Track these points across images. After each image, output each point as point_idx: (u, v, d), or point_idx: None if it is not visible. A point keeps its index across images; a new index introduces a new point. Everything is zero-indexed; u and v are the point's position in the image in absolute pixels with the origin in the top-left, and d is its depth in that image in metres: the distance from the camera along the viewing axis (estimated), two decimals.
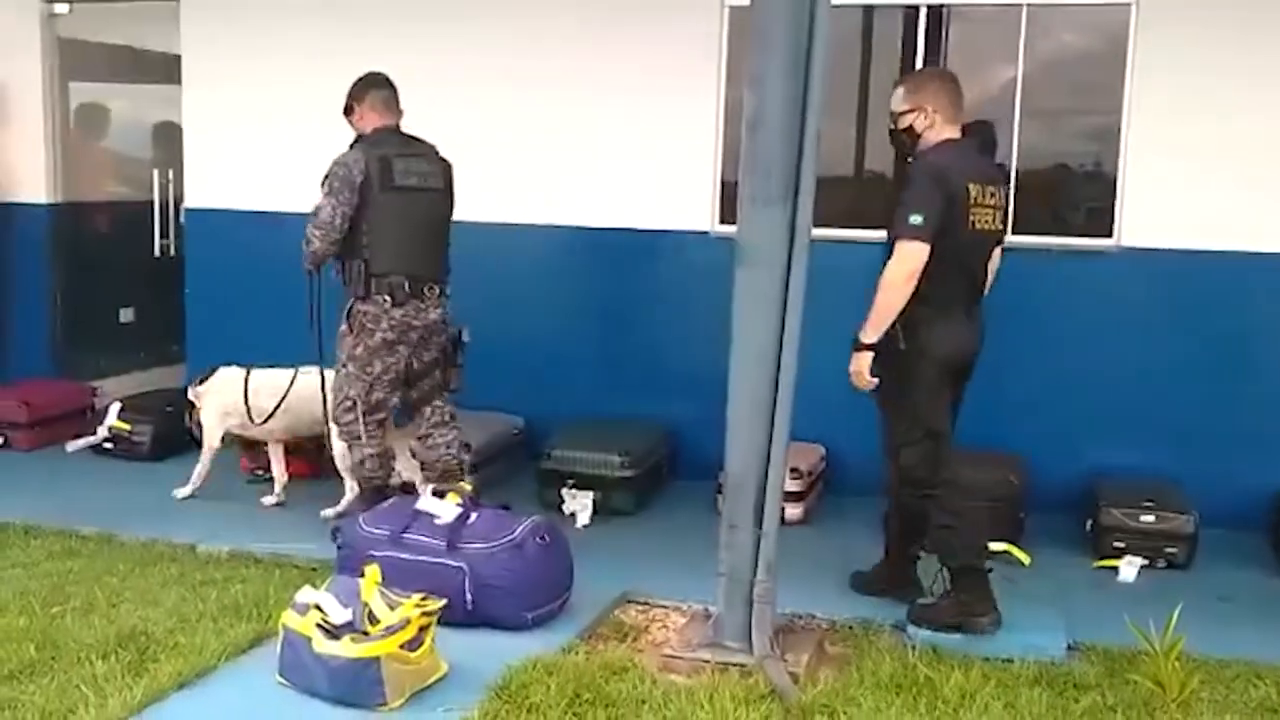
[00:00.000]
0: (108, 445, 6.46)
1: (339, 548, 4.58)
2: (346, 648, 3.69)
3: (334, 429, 5.35)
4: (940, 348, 4.27)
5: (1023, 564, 5.07)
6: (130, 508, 5.70)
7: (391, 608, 3.84)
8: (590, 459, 5.65)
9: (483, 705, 3.68)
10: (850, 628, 4.43)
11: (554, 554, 4.47)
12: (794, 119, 3.89)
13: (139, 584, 4.76)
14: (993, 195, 4.33)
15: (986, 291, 4.54)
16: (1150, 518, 5.12)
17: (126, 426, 6.44)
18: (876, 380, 4.24)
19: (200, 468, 5.87)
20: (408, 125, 5.18)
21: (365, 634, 3.75)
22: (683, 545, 5.15)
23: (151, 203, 7.14)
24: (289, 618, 3.85)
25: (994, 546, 5.08)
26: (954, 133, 4.35)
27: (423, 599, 3.89)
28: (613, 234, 6.38)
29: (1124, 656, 4.13)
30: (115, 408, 6.49)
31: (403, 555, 4.35)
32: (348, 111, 5.11)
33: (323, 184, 4.93)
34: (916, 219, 4.07)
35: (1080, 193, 5.98)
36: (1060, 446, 5.76)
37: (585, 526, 5.55)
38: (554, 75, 6.34)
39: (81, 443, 6.42)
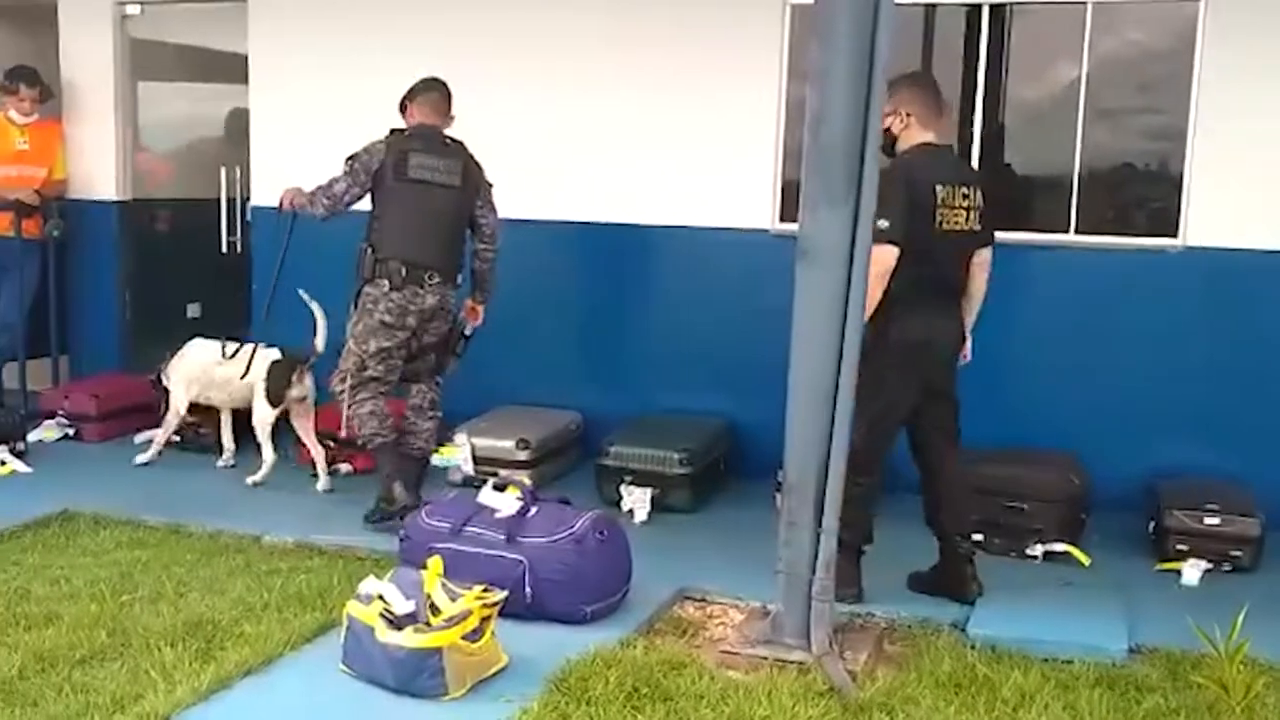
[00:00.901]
0: (176, 437, 6.57)
1: (402, 540, 4.64)
2: (409, 638, 3.75)
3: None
4: (904, 343, 4.36)
5: (1083, 564, 5.08)
6: (196, 499, 5.81)
7: (453, 599, 3.89)
8: (648, 456, 5.68)
9: (542, 697, 3.71)
10: (909, 627, 4.42)
11: (613, 549, 4.50)
12: (857, 118, 3.89)
13: (205, 574, 4.84)
14: (965, 197, 4.46)
15: (981, 290, 4.66)
16: (1215, 520, 5.05)
17: (193, 419, 6.54)
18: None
19: (162, 435, 6.34)
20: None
21: (427, 625, 3.81)
22: (740, 542, 5.16)
23: (218, 200, 7.24)
24: (353, 607, 3.91)
25: (1055, 547, 5.12)
26: (930, 136, 4.50)
27: (484, 591, 3.94)
28: (673, 231, 6.41)
29: (1187, 659, 4.08)
30: None
31: (463, 548, 4.41)
32: (402, 109, 5.44)
33: (345, 162, 5.28)
34: (883, 223, 4.17)
35: (1144, 191, 5.93)
36: (1123, 447, 5.71)
37: (643, 523, 5.57)
38: (618, 75, 6.38)
39: (150, 434, 6.53)
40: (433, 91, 5.37)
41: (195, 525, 5.39)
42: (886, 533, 4.95)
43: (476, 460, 5.94)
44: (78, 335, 7.53)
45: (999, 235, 5.71)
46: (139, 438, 6.62)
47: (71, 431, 6.76)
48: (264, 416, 6.03)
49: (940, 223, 4.40)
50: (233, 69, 7.20)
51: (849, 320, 3.95)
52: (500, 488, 4.63)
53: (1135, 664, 4.09)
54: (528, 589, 4.32)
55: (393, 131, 5.35)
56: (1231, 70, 5.47)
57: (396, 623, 3.81)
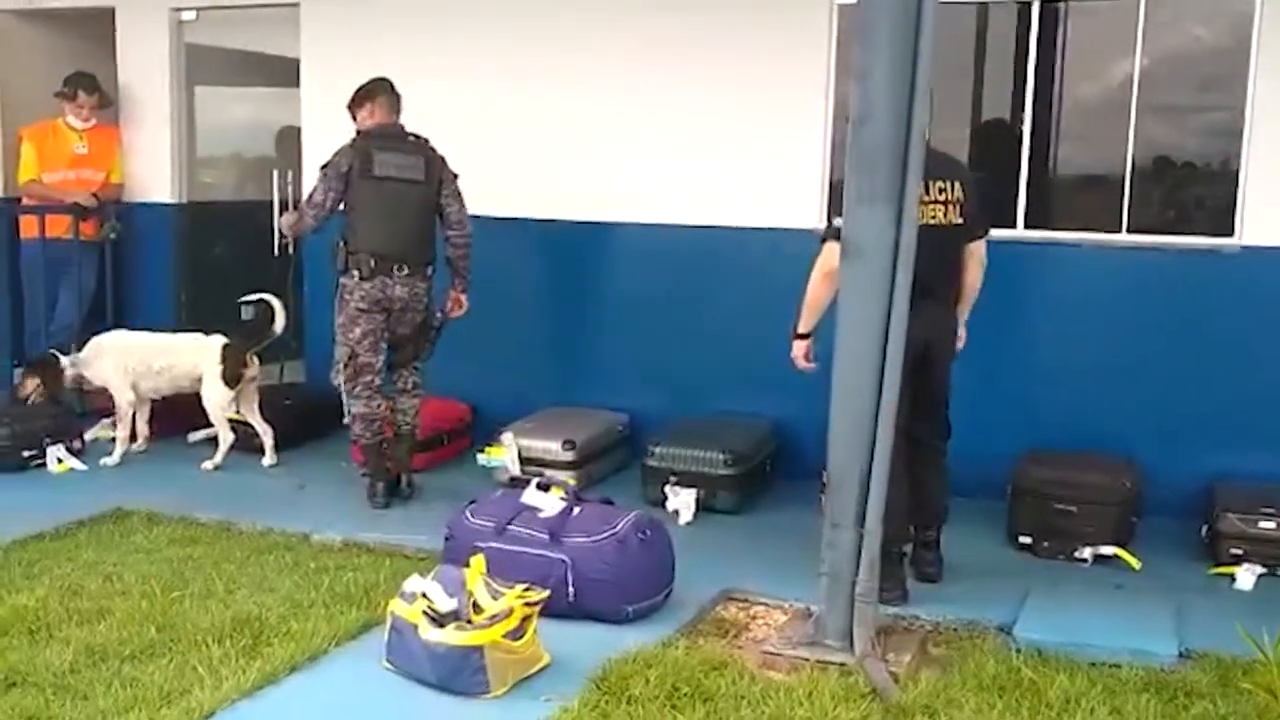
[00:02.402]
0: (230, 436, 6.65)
1: (446, 539, 4.67)
2: (451, 636, 3.77)
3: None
4: None
5: (1133, 568, 5.01)
6: (247, 497, 5.88)
7: (495, 597, 3.91)
8: (694, 456, 5.67)
9: (583, 696, 3.72)
10: (954, 629, 4.38)
11: (656, 549, 4.50)
12: (900, 115, 3.86)
13: (255, 571, 4.90)
14: (942, 191, 4.45)
15: (974, 284, 4.72)
16: (1270, 524, 4.95)
17: (240, 416, 6.61)
18: (813, 365, 4.65)
19: (123, 430, 6.43)
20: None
21: (469, 623, 3.83)
22: (785, 543, 5.14)
23: (271, 202, 7.33)
24: (397, 605, 3.94)
25: (1105, 551, 5.05)
26: None
27: (525, 589, 3.95)
28: (722, 232, 6.38)
29: (1238, 665, 4.00)
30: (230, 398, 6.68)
31: (507, 547, 4.43)
32: (353, 114, 5.74)
33: (320, 170, 5.64)
34: (837, 220, 4.16)
35: (1199, 189, 5.83)
36: (1178, 450, 5.61)
37: (688, 524, 5.56)
38: (664, 76, 6.37)
39: (202, 434, 6.62)
40: (385, 93, 5.69)
41: (245, 523, 5.46)
42: (945, 538, 4.95)
43: (523, 461, 5.95)
44: None
45: (1051, 234, 5.77)
46: (192, 436, 6.70)
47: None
48: (220, 399, 6.28)
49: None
50: (288, 74, 7.28)
51: (893, 319, 3.92)
52: (544, 487, 4.64)
53: (1185, 669, 4.01)
54: (570, 588, 4.34)
55: (358, 134, 5.66)
56: None
57: (439, 620, 3.83)
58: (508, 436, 6.03)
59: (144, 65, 7.44)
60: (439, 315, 5.84)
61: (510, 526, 4.49)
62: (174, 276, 7.58)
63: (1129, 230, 5.66)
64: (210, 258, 7.64)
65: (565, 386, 6.67)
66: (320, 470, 6.22)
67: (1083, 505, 5.10)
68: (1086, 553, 5.07)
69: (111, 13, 7.45)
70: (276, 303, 6.34)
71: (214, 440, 6.47)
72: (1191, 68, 5.78)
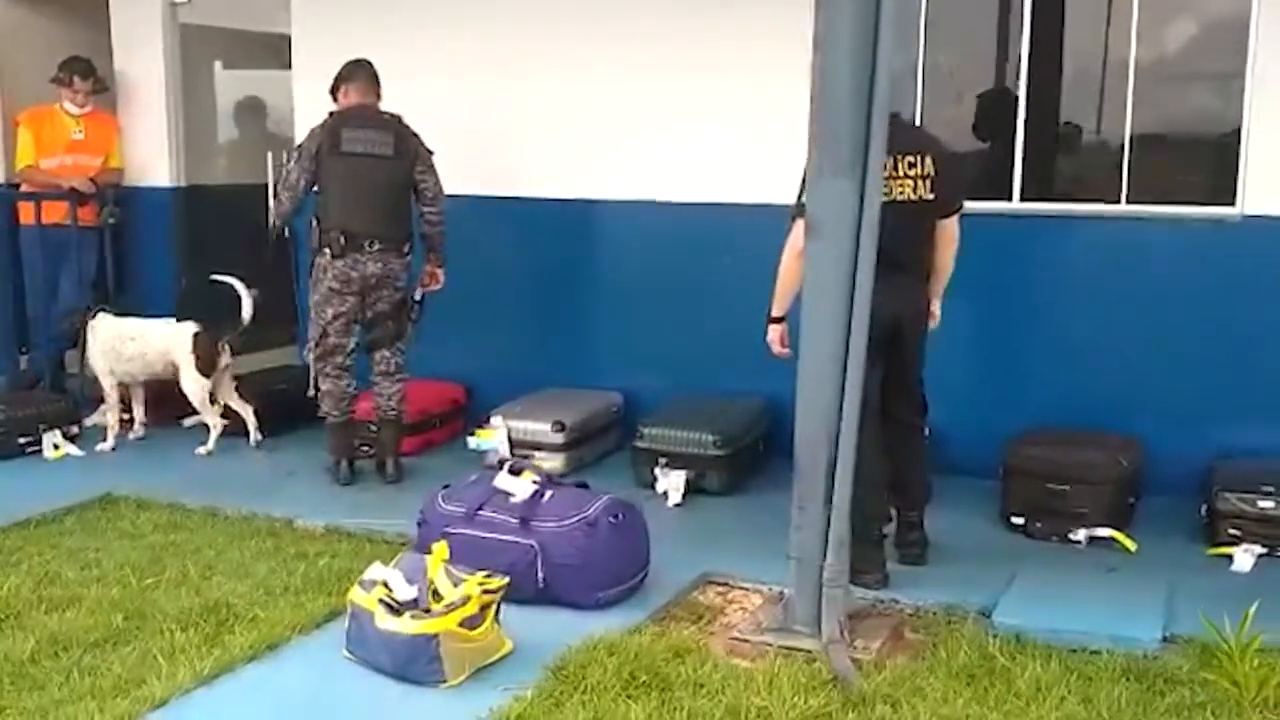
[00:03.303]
0: (223, 421, 6.63)
1: (419, 524, 4.61)
2: (406, 624, 3.71)
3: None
4: None
5: (1128, 550, 4.87)
6: (237, 482, 5.86)
7: (456, 585, 3.84)
8: (682, 438, 5.57)
9: (539, 685, 3.65)
10: (933, 614, 4.27)
11: (628, 533, 4.42)
12: (861, 87, 3.73)
13: (234, 557, 4.87)
14: (912, 165, 4.35)
15: (947, 261, 4.62)
16: (1269, 503, 4.78)
17: (238, 405, 6.60)
18: (788, 351, 4.43)
19: (111, 416, 6.47)
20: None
21: (428, 611, 3.76)
22: (773, 525, 4.90)
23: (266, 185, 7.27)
24: (355, 593, 3.90)
25: (1099, 532, 4.91)
26: None
27: (486, 577, 3.88)
28: (717, 209, 6.26)
29: (1224, 651, 3.87)
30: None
31: (476, 533, 4.37)
32: (334, 95, 5.75)
33: (294, 151, 5.70)
34: (804, 198, 4.05)
35: (1200, 157, 5.63)
36: (1182, 428, 5.43)
37: (677, 506, 5.48)
38: (657, 51, 6.22)
39: (195, 418, 6.60)
40: (360, 73, 5.69)
41: (231, 509, 5.42)
42: (935, 518, 4.84)
43: (513, 444, 5.88)
44: None
45: (1049, 206, 5.62)
46: (187, 422, 6.69)
47: (127, 416, 6.83)
48: (197, 388, 6.26)
49: (884, 193, 4.16)
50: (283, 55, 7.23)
51: (858, 295, 3.80)
52: (517, 471, 4.57)
53: (1167, 655, 3.87)
54: (540, 574, 4.27)
55: (329, 115, 5.66)
56: None
57: (396, 608, 3.78)
58: (497, 419, 5.96)
59: (139, 49, 7.40)
60: (416, 293, 5.79)
61: (481, 512, 4.42)
62: (173, 260, 7.55)
63: (1128, 200, 5.48)
64: (208, 241, 7.60)
65: (561, 368, 6.57)
66: (312, 455, 6.17)
67: (1076, 485, 4.95)
68: (1081, 534, 4.93)
69: None
70: (241, 287, 6.33)
71: (206, 425, 6.46)
72: (1191, 27, 5.57)
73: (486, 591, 3.82)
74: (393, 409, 5.81)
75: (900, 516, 4.71)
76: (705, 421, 5.63)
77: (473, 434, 6.00)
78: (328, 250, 5.56)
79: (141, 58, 7.39)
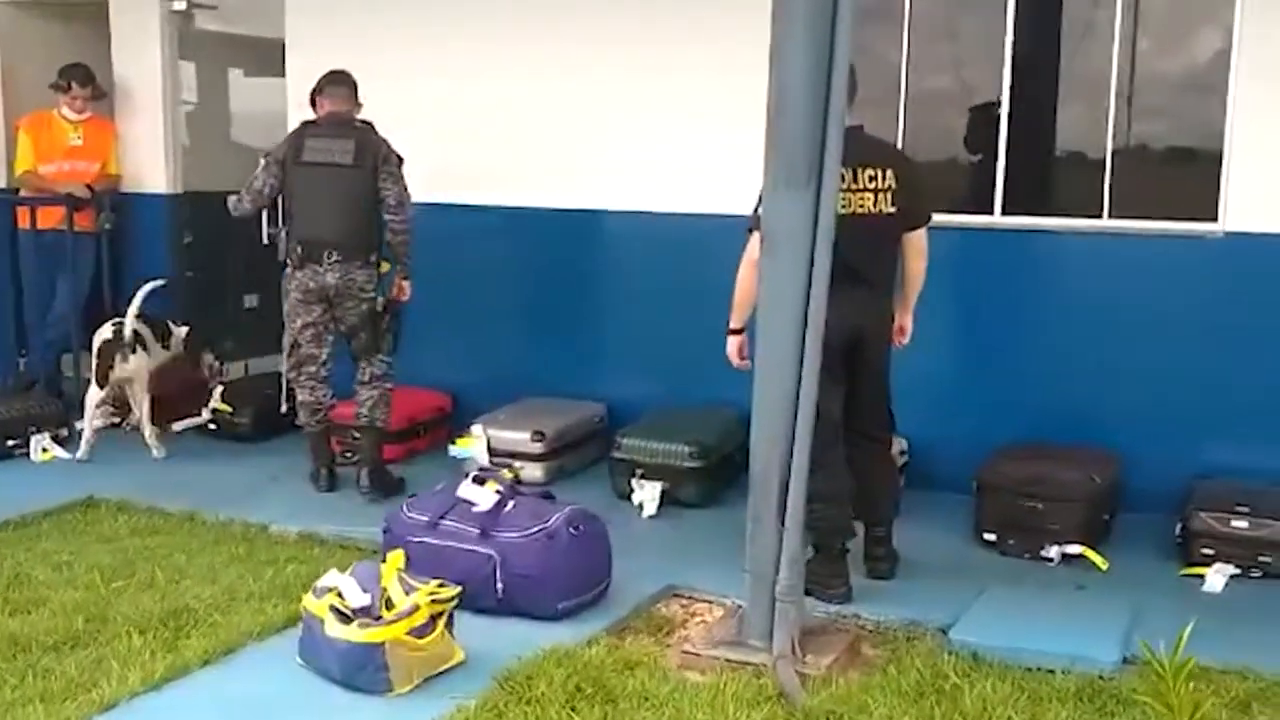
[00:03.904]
0: (212, 426, 6.69)
1: (384, 532, 4.62)
2: (353, 632, 3.72)
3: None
4: None
5: (1100, 568, 4.82)
6: (220, 487, 5.87)
7: (408, 593, 3.84)
8: (658, 449, 5.56)
9: (484, 695, 3.65)
10: (894, 630, 4.24)
11: (589, 544, 4.41)
12: (817, 99, 3.73)
13: (205, 561, 4.89)
14: (872, 179, 4.31)
15: (916, 274, 4.59)
16: (1243, 523, 4.73)
17: (228, 408, 6.66)
18: (748, 363, 4.31)
19: (85, 421, 6.36)
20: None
21: (379, 618, 3.77)
22: (743, 539, 4.99)
23: None
24: (308, 600, 3.91)
25: (1071, 549, 4.87)
26: None
27: (439, 586, 3.88)
28: (705, 219, 6.21)
29: (1157, 674, 3.81)
30: (219, 390, 6.72)
31: (438, 541, 4.38)
32: (312, 104, 5.83)
33: (262, 158, 5.73)
34: (760, 210, 4.03)
35: (1182, 172, 5.58)
36: (1163, 445, 5.37)
37: (651, 517, 5.47)
38: (644, 61, 6.22)
39: (187, 423, 6.66)
40: (335, 85, 5.69)
41: (210, 514, 5.45)
42: (909, 533, 4.81)
43: (492, 452, 5.89)
44: None
45: (1030, 221, 5.57)
46: (177, 426, 6.74)
47: (118, 420, 6.89)
48: (91, 395, 6.28)
49: (842, 206, 4.15)
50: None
51: (812, 308, 3.79)
52: (480, 481, 4.57)
53: (1124, 677, 3.82)
54: (499, 584, 4.27)
55: (301, 124, 5.72)
56: (1273, 41, 5.09)
57: (347, 616, 3.78)
58: (477, 428, 5.97)
59: (137, 57, 7.46)
60: (381, 302, 5.68)
61: (443, 521, 4.43)
62: (172, 267, 7.60)
63: (1110, 215, 5.43)
64: (207, 248, 7.66)
65: (548, 377, 6.57)
66: (297, 461, 6.16)
67: (1048, 502, 4.91)
68: (1053, 551, 4.89)
69: (105, 5, 7.48)
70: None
71: (199, 428, 6.53)
72: (1174, 40, 5.53)
73: (436, 601, 3.82)
74: (365, 416, 5.76)
75: (868, 532, 4.69)
76: (681, 433, 5.61)
77: (453, 442, 6.01)
78: (289, 261, 5.60)
79: (139, 64, 7.45)
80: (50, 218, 7.08)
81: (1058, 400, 5.56)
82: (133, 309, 6.27)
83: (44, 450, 6.36)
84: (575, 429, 6.14)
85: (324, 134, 5.56)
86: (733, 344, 4.58)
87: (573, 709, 3.56)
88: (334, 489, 5.80)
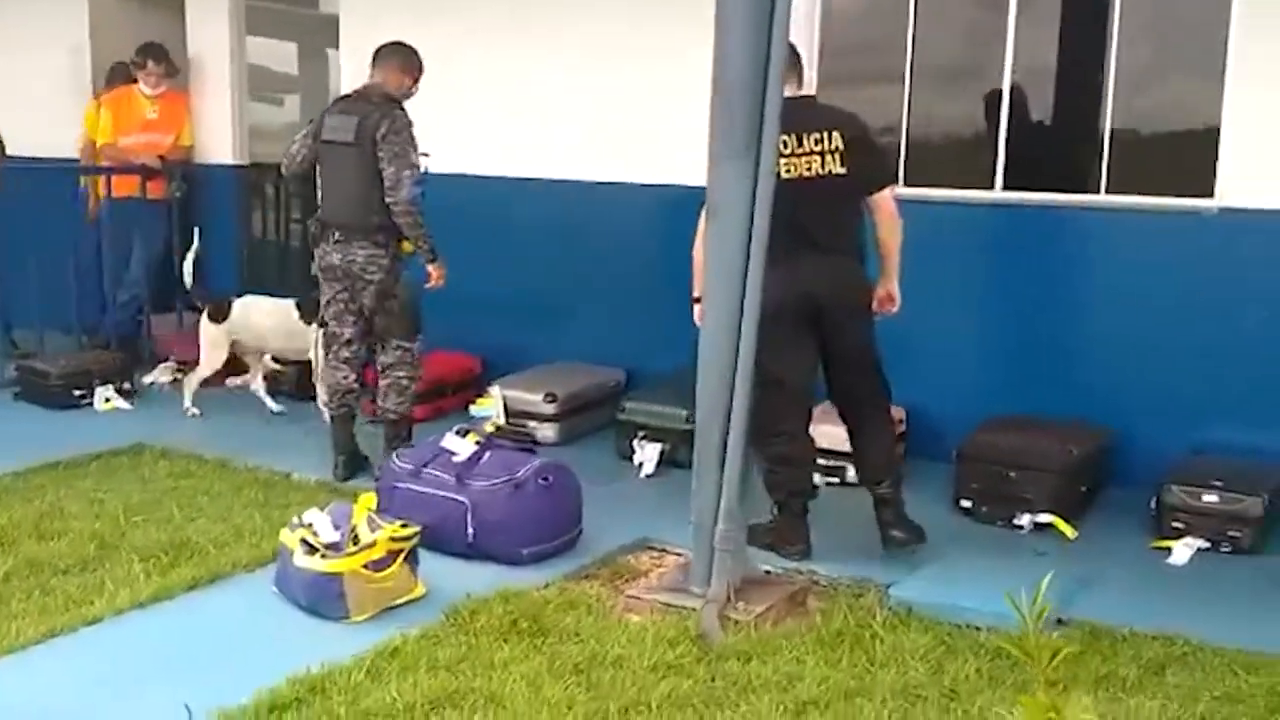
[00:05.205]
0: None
1: (376, 479, 4.94)
2: (315, 563, 4.03)
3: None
4: (769, 301, 4.11)
5: (1068, 538, 4.89)
6: (257, 439, 6.24)
7: (374, 531, 4.14)
8: (658, 412, 5.77)
9: (428, 625, 3.92)
10: (846, 585, 4.39)
11: (557, 495, 4.66)
12: (757, 69, 3.88)
13: (224, 503, 5.25)
14: (818, 141, 4.35)
15: (890, 236, 4.55)
16: (1213, 497, 4.74)
17: (279, 367, 7.05)
18: None
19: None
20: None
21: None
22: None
23: None
24: (284, 533, 4.23)
25: (1041, 518, 4.94)
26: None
27: (401, 526, 4.17)
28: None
29: (1114, 634, 3.95)
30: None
31: (418, 488, 4.67)
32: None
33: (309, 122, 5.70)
34: None
35: (1177, 149, 5.56)
36: (1156, 420, 5.39)
37: (649, 476, 5.68)
38: (665, 39, 6.40)
39: (240, 380, 7.08)
40: (384, 57, 5.52)
41: (241, 461, 5.83)
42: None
43: (508, 412, 6.17)
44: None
45: (1030, 196, 5.62)
46: (231, 382, 7.16)
47: (181, 375, 7.34)
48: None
49: (787, 171, 4.26)
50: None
51: (750, 273, 3.96)
52: (463, 433, 4.85)
53: (1052, 636, 3.90)
54: (470, 529, 4.54)
55: (335, 99, 5.68)
56: (1270, 13, 5.05)
57: (314, 548, 4.09)
58: (495, 389, 6.25)
59: (209, 35, 7.92)
60: (397, 286, 5.45)
61: (425, 469, 4.72)
62: (236, 233, 8.06)
63: (1108, 191, 5.46)
64: (274, 215, 8.11)
65: (579, 344, 6.78)
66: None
67: (1022, 471, 4.98)
68: (1024, 519, 4.96)
69: None
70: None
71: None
72: (1168, 18, 5.51)
73: (395, 539, 4.11)
74: (383, 408, 5.61)
75: (872, 492, 4.66)
76: (680, 397, 5.74)
77: (473, 402, 6.31)
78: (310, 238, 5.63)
79: (209, 41, 7.91)
80: (125, 186, 7.59)
81: (1054, 374, 5.61)
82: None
83: (106, 400, 6.83)
84: (589, 392, 6.37)
85: (342, 110, 5.45)
86: (697, 311, 4.65)
87: (505, 640, 3.81)
88: (353, 476, 5.57)
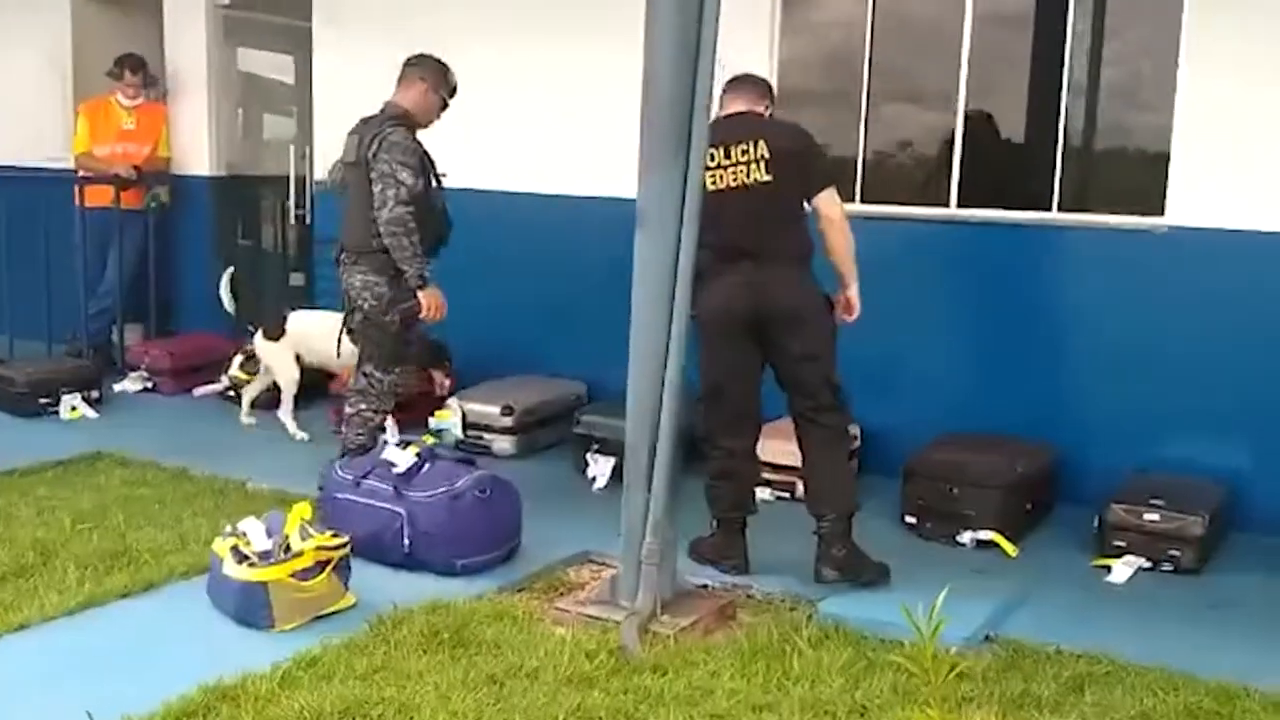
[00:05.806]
0: (230, 393, 7.12)
1: (319, 489, 4.96)
2: (243, 572, 4.04)
3: None
4: (701, 307, 4.20)
5: (1009, 555, 4.88)
6: (217, 447, 6.26)
7: (304, 540, 4.15)
8: (612, 426, 5.70)
9: (351, 635, 3.93)
10: (779, 600, 4.39)
11: (494, 507, 4.66)
12: (684, 79, 3.90)
13: (174, 512, 5.25)
14: (744, 152, 4.35)
15: (837, 244, 4.48)
16: (1155, 516, 4.73)
17: (246, 376, 7.07)
18: None
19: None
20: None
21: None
22: (682, 512, 5.16)
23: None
24: (216, 542, 4.25)
25: (982, 536, 4.93)
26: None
27: (332, 536, 4.18)
28: None
29: (1039, 652, 3.95)
30: (238, 359, 7.14)
31: (358, 499, 4.68)
32: None
33: None
34: None
35: (1129, 168, 5.56)
36: (1104, 439, 5.40)
37: (602, 490, 5.68)
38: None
39: (207, 389, 7.12)
40: (405, 69, 5.29)
41: (199, 470, 5.85)
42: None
43: (466, 425, 6.18)
44: (180, 300, 8.20)
45: (983, 213, 5.62)
46: (197, 392, 7.19)
47: (151, 384, 7.40)
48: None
49: (712, 182, 4.26)
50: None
51: (678, 285, 3.97)
52: (404, 445, 4.86)
53: (976, 653, 3.91)
54: (406, 540, 4.55)
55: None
56: (1220, 38, 5.05)
57: (244, 557, 4.10)
58: (453, 401, 6.27)
59: (186, 47, 7.98)
60: (389, 316, 5.21)
61: (365, 480, 4.73)
62: (214, 245, 8.10)
63: (1060, 209, 5.46)
64: (250, 227, 8.15)
65: (543, 357, 6.80)
66: (314, 427, 6.54)
67: (965, 488, 4.97)
68: (966, 537, 4.96)
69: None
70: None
71: (220, 394, 6.95)
72: (1122, 37, 5.52)
73: (323, 549, 4.12)
74: (341, 434, 5.47)
75: (817, 527, 4.48)
76: None
77: (432, 415, 6.32)
78: None
79: (186, 52, 7.96)
80: (99, 196, 7.64)
81: (1007, 391, 5.61)
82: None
83: (73, 409, 6.86)
84: (548, 406, 6.38)
85: (354, 129, 5.24)
86: None
87: (424, 651, 3.81)
88: None
